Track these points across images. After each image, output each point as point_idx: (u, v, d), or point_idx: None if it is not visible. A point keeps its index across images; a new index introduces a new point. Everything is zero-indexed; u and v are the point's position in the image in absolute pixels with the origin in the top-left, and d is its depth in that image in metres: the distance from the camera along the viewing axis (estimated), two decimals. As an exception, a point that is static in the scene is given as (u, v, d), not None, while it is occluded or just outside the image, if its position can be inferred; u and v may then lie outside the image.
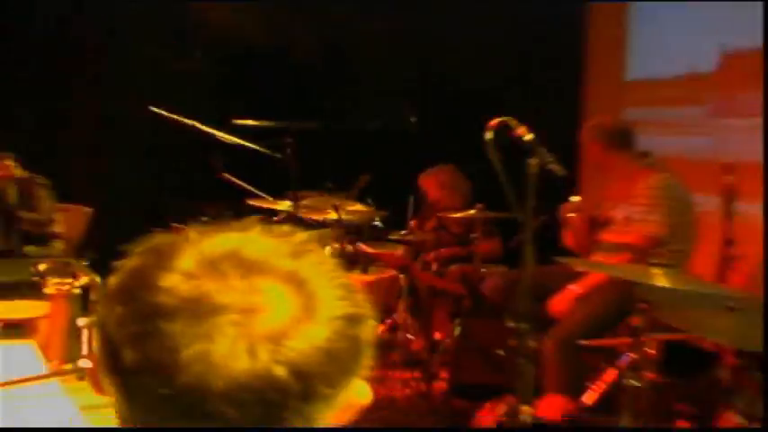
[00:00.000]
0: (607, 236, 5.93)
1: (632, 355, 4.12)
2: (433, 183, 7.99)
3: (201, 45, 11.25)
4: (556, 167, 4.14)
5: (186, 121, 8.49)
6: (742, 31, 7.58)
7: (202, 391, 1.08)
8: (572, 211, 5.97)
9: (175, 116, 8.51)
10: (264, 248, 1.20)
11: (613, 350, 5.37)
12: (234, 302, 1.11)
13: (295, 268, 1.18)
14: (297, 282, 1.17)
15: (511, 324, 4.76)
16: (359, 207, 7.73)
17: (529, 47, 9.34)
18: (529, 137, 4.01)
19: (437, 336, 7.31)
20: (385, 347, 7.54)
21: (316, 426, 1.17)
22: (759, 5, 7.11)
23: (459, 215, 7.27)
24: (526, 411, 3.81)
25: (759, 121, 7.39)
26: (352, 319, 1.19)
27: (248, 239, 1.21)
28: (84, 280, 5.12)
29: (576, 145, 6.34)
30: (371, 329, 1.24)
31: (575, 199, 5.97)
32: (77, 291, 5.22)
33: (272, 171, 7.65)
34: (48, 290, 5.20)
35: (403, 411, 6.61)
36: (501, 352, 6.12)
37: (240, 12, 10.58)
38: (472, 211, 7.12)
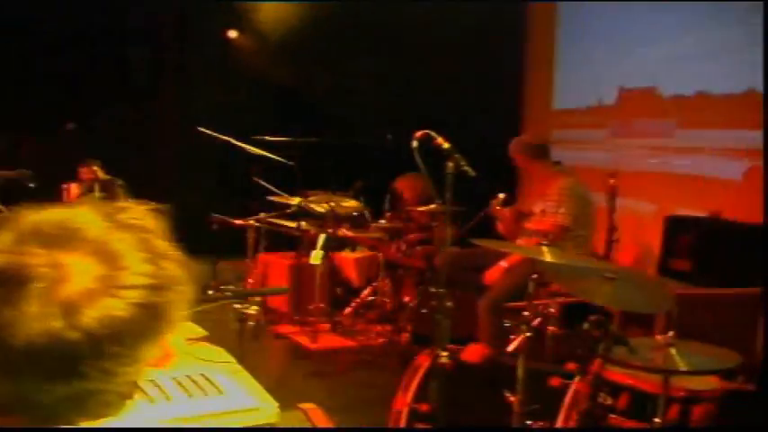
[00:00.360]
0: (528, 224, 5.84)
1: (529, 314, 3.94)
2: (405, 185, 7.84)
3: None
4: (468, 170, 3.99)
5: (228, 139, 8.44)
6: (636, 73, 7.51)
7: (5, 349, 0.98)
8: (499, 205, 5.89)
9: (221, 136, 8.46)
10: (82, 223, 1.06)
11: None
12: (40, 274, 0.99)
13: (105, 241, 1.05)
14: (104, 254, 1.03)
15: (433, 289, 4.66)
16: (352, 203, 7.66)
17: (481, 82, 9.19)
18: (446, 145, 3.87)
19: (405, 299, 7.19)
20: (367, 307, 7.48)
21: (118, 375, 1.05)
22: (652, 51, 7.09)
23: (423, 209, 7.12)
24: (443, 355, 3.66)
25: (645, 141, 7.37)
26: (156, 288, 1.05)
27: (72, 215, 1.08)
28: None
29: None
30: (180, 294, 1.10)
31: (501, 196, 5.89)
32: None
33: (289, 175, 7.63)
34: None
35: (377, 354, 6.57)
36: (425, 311, 6.11)
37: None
38: (432, 206, 6.98)
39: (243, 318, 3.21)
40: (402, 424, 4.04)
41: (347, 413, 5.04)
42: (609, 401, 3.59)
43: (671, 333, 3.29)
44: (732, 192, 6.44)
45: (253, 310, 3.22)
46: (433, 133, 3.74)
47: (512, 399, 3.64)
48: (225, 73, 11.67)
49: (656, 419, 3.29)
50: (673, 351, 3.21)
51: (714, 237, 6.04)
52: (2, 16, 9.64)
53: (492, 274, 5.75)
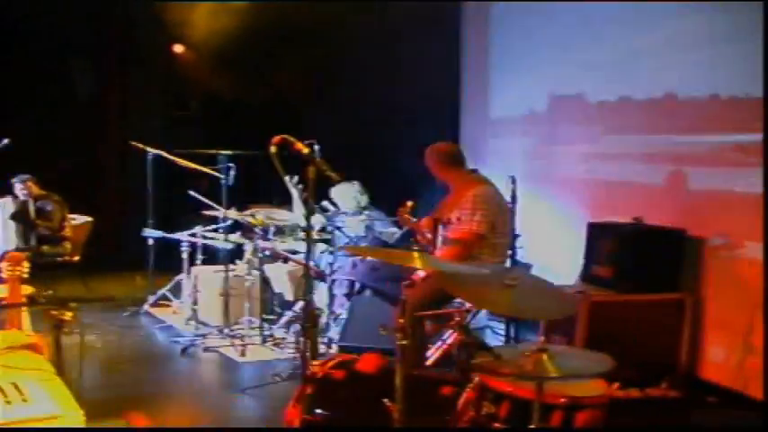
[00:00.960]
0: (446, 233, 5.76)
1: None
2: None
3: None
4: (332, 174, 3.92)
5: (160, 152, 8.39)
6: (564, 81, 7.49)
7: None
8: (407, 213, 5.86)
9: (154, 149, 8.41)
10: None
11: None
12: None
13: None
14: None
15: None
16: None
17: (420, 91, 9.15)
18: (306, 150, 3.79)
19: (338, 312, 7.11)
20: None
21: None
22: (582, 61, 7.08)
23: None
24: (314, 365, 3.59)
25: (573, 148, 7.37)
26: None
27: None
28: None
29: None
30: None
31: (408, 203, 5.87)
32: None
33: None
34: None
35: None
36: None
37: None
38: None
39: (58, 324, 3.12)
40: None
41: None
42: (491, 410, 3.54)
43: (542, 339, 3.22)
44: (655, 197, 6.41)
45: (68, 316, 3.13)
46: (290, 138, 3.66)
47: (391, 406, 3.56)
48: (170, 87, 11.66)
49: (531, 426, 3.22)
50: (544, 357, 3.14)
51: (634, 242, 5.99)
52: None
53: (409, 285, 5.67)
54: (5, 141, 8.33)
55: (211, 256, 8.20)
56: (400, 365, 3.49)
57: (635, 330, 5.85)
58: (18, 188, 8.60)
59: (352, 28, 9.54)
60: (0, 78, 10.25)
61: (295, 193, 7.27)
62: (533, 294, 3.57)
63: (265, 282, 7.55)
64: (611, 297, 5.92)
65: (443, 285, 3.88)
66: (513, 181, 6.43)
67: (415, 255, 3.53)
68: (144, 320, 8.19)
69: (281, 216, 7.77)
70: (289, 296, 7.82)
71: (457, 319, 4.68)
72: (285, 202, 8.07)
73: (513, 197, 6.42)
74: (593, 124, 7.10)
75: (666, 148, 6.31)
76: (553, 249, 7.18)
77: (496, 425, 3.51)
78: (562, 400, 3.43)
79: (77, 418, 2.24)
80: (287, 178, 6.31)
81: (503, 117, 8.67)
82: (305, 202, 6.71)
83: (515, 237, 6.36)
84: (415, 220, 6.05)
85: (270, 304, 7.82)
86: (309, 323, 3.45)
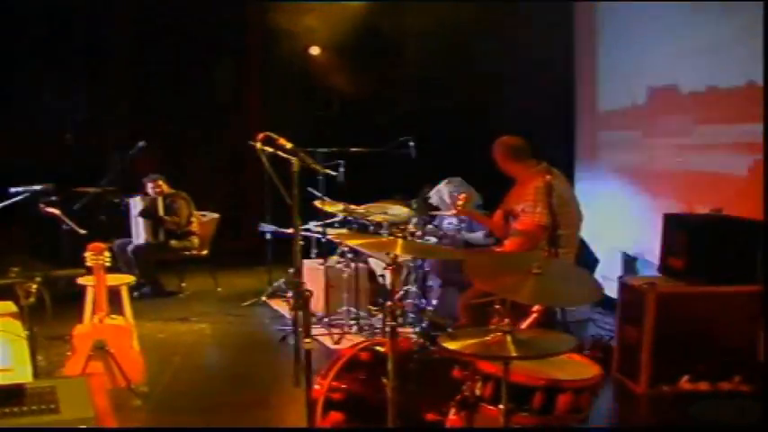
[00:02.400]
0: (513, 224, 5.85)
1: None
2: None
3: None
4: (317, 167, 4.12)
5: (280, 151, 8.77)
6: (662, 73, 7.40)
7: None
8: (461, 206, 5.99)
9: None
10: None
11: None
12: None
13: None
14: None
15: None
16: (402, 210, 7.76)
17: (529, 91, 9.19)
18: (289, 145, 3.99)
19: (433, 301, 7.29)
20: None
21: None
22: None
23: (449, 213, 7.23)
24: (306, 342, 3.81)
25: (671, 140, 7.26)
26: None
27: None
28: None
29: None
30: None
31: (462, 196, 6.02)
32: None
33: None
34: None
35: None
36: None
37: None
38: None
39: (27, 293, 3.49)
40: (318, 412, 4.24)
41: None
42: (479, 391, 3.67)
43: (506, 321, 3.33)
44: (739, 187, 6.27)
45: (32, 288, 3.50)
46: (273, 135, 3.90)
47: (385, 383, 3.76)
48: (307, 88, 12.11)
49: (500, 406, 3.34)
50: (508, 338, 3.26)
51: (707, 234, 5.88)
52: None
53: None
54: (141, 144, 9.03)
55: (328, 251, 8.52)
56: (391, 344, 3.71)
57: (709, 323, 5.76)
58: (149, 187, 9.26)
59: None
60: (145, 81, 11.07)
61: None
62: (559, 282, 3.65)
63: (371, 274, 7.83)
64: (679, 288, 5.85)
65: (467, 273, 4.02)
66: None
67: (398, 241, 3.70)
68: (260, 311, 8.63)
69: (394, 212, 7.81)
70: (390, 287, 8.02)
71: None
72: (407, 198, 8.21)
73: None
74: (685, 114, 6.99)
75: (748, 137, 6.16)
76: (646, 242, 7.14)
77: (483, 405, 3.64)
78: (542, 382, 3.52)
79: (25, 371, 2.58)
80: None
81: (608, 110, 8.61)
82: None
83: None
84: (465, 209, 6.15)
85: (375, 295, 8.08)
86: (300, 301, 3.66)
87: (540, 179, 5.72)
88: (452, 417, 3.85)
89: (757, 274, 5.83)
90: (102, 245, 5.48)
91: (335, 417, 4.21)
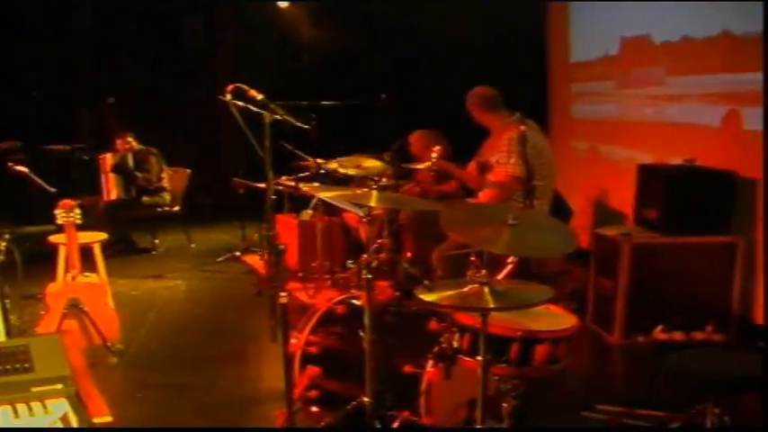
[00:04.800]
0: (488, 176, 5.84)
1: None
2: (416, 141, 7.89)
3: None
4: (289, 119, 4.08)
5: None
6: (635, 23, 7.36)
7: None
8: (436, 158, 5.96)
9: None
10: None
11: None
12: None
13: None
14: None
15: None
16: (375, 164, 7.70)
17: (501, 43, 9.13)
18: (260, 97, 3.95)
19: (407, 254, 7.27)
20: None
21: None
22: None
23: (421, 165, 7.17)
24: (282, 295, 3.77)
25: (644, 90, 7.24)
26: None
27: None
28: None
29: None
30: None
31: (436, 148, 5.99)
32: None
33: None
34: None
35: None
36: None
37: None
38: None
39: None
40: (295, 365, 4.23)
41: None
42: (456, 343, 3.68)
43: (483, 272, 3.32)
44: (713, 138, 6.27)
45: (3, 245, 3.47)
46: (244, 86, 3.85)
47: (363, 336, 3.76)
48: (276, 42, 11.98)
49: (478, 358, 3.34)
50: (486, 290, 3.25)
51: (681, 184, 5.90)
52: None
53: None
54: (111, 100, 8.92)
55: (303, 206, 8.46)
56: (367, 296, 3.70)
57: (684, 274, 5.80)
58: (119, 143, 9.16)
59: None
60: (113, 38, 10.89)
61: None
62: (534, 233, 3.62)
63: (344, 228, 7.80)
64: (654, 239, 5.87)
65: (441, 225, 3.99)
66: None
67: (373, 193, 3.68)
68: (234, 266, 8.60)
69: (369, 165, 7.76)
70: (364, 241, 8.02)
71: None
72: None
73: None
74: (659, 65, 6.97)
75: (723, 87, 6.14)
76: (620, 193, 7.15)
77: (461, 356, 3.65)
78: (519, 333, 3.53)
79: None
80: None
81: (580, 61, 8.58)
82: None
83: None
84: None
85: (349, 249, 8.05)
86: (274, 255, 3.64)
87: (514, 130, 5.66)
88: (430, 369, 3.87)
89: (731, 224, 5.88)
90: (72, 201, 5.42)
91: (313, 371, 4.21)
